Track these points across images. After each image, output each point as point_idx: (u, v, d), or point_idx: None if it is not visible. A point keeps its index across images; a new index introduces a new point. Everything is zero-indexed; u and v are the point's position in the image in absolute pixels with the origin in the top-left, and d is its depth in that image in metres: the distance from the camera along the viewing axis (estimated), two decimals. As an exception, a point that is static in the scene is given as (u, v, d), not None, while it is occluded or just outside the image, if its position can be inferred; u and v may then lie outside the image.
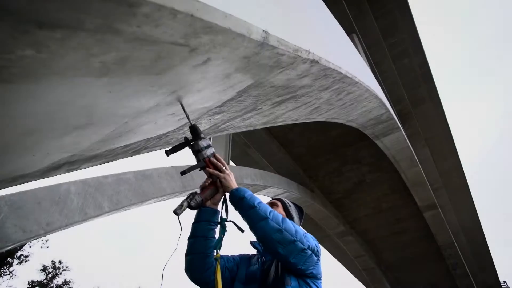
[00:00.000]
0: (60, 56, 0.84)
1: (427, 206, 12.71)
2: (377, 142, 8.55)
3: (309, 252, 1.48)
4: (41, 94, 1.02)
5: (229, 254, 1.80)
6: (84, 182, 3.46)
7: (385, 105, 6.04)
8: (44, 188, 3.10)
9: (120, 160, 2.41)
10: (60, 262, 21.85)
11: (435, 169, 14.68)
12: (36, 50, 0.79)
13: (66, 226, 3.13)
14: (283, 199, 2.05)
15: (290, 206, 2.00)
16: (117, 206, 3.68)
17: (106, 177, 3.72)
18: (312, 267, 1.51)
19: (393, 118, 7.16)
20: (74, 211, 3.23)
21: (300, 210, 2.08)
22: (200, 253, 1.58)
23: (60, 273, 21.57)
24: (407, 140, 9.04)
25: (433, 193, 12.51)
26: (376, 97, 4.93)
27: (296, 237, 1.45)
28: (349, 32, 9.41)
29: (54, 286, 21.15)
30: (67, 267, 21.86)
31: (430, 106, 12.74)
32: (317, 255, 1.54)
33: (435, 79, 11.89)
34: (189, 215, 1.69)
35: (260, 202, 1.52)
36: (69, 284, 21.70)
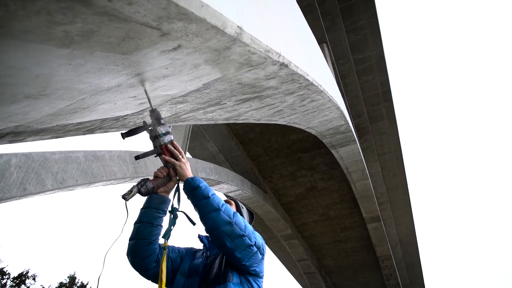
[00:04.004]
0: (19, 18, 0.79)
1: (371, 218, 13.35)
2: (333, 151, 8.83)
3: (255, 249, 1.50)
4: (-8, 55, 0.94)
5: (175, 246, 1.78)
6: (27, 155, 3.25)
7: (345, 117, 6.26)
8: (-18, 157, 2.87)
9: (71, 137, 2.30)
10: (-11, 238, 20.28)
11: (383, 184, 15.44)
12: (-7, 8, 0.73)
13: (1, 200, 2.91)
14: (237, 200, 2.06)
15: (242, 208, 2.02)
16: (61, 185, 3.49)
17: (53, 153, 3.52)
18: (256, 264, 1.54)
19: (351, 131, 7.44)
20: (13, 185, 3.02)
21: (251, 214, 2.11)
22: (144, 239, 1.55)
23: (-12, 250, 20.03)
24: (361, 153, 9.42)
25: (378, 206, 13.16)
26: (338, 108, 5.10)
27: (244, 232, 1.47)
28: (320, 41, 9.63)
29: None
30: (-4, 244, 20.36)
31: (386, 124, 13.37)
32: (262, 254, 1.57)
33: (393, 99, 12.54)
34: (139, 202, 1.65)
35: (214, 194, 1.53)
36: (-4, 263, 20.19)
